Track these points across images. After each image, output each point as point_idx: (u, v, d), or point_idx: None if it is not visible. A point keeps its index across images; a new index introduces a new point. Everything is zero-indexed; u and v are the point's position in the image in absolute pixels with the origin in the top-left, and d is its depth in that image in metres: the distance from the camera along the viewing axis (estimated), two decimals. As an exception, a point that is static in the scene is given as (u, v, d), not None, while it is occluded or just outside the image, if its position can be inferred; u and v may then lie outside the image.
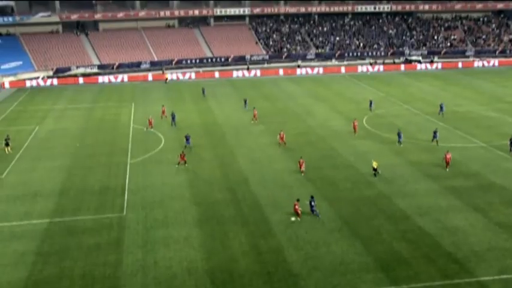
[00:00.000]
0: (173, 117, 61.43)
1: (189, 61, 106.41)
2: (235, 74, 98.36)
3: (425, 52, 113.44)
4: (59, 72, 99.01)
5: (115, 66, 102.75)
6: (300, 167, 44.51)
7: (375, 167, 43.11)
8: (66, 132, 60.64)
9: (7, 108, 75.38)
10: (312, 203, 36.64)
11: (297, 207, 36.19)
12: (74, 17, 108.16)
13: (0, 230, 35.88)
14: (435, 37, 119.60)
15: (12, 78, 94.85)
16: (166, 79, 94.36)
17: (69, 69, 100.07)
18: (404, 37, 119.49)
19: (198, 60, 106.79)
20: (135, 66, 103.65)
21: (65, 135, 59.29)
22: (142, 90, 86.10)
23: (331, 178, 43.79)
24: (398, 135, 52.53)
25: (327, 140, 55.05)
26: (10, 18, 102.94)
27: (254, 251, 32.44)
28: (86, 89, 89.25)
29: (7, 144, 52.81)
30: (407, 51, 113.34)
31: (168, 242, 33.59)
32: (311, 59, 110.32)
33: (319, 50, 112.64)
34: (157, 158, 50.37)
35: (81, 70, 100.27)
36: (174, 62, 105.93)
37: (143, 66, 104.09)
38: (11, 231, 35.52)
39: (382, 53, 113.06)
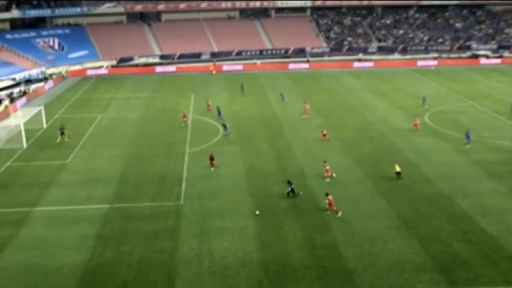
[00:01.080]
0: (219, 112, 61.19)
1: (248, 52, 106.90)
2: (294, 66, 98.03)
3: (495, 47, 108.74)
4: (122, 62, 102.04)
5: (176, 57, 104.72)
6: (326, 173, 42.54)
7: (398, 170, 41.72)
8: (127, 121, 62.51)
9: (72, 96, 78.50)
10: (291, 187, 38.34)
11: (331, 200, 36.09)
12: (138, 8, 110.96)
13: (65, 213, 37.58)
14: (505, 31, 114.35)
15: (78, 67, 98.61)
16: (212, 71, 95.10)
17: (131, 59, 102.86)
18: (471, 30, 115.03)
19: (258, 52, 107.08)
20: (195, 57, 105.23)
21: (126, 124, 61.15)
22: (202, 81, 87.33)
23: (390, 174, 42.97)
24: (467, 136, 49.99)
25: (387, 136, 53.98)
26: (78, 9, 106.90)
27: (309, 244, 32.37)
28: (147, 78, 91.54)
29: (62, 133, 54.78)
30: (474, 46, 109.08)
31: (223, 232, 34.06)
32: (372, 53, 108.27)
33: (381, 44, 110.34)
34: (215, 148, 51.06)
35: (143, 60, 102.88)
36: (234, 53, 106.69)
37: (203, 57, 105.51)
38: (75, 215, 37.11)
39: (448, 47, 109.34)
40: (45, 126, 60.21)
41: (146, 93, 78.47)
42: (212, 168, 43.87)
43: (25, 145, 53.27)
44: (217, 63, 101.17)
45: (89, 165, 47.29)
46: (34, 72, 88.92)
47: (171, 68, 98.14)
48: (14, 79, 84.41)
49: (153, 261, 31.02)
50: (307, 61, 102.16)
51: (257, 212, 36.58)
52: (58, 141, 54.20)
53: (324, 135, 52.17)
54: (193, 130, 57.75)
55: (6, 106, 68.62)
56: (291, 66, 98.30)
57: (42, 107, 62.06)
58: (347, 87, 79.37)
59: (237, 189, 40.77)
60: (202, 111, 65.32)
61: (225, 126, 54.58)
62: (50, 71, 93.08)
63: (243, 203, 38.39)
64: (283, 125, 58.89)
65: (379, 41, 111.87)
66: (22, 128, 54.07)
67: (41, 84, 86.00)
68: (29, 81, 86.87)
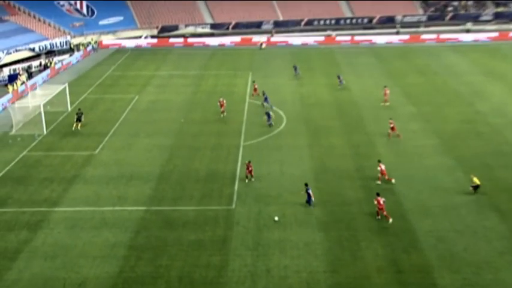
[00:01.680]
0: (265, 98, 61.24)
1: (322, 22, 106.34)
2: (379, 40, 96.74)
3: None
4: (164, 32, 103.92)
5: (231, 26, 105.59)
6: (381, 175, 42.22)
7: (476, 183, 40.14)
8: (169, 105, 63.67)
9: (103, 72, 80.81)
10: (308, 191, 38.48)
11: (381, 202, 36.55)
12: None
13: (91, 215, 38.70)
14: None
15: (110, 37, 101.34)
16: (261, 44, 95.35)
17: (176, 28, 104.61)
18: None
19: (333, 22, 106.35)
20: (254, 26, 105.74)
21: (168, 108, 62.30)
22: (263, 57, 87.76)
23: (505, 182, 41.71)
24: None
25: (502, 131, 52.45)
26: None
27: (393, 267, 31.97)
28: (195, 52, 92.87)
29: (79, 120, 56.29)
30: None
31: (284, 246, 34.14)
32: (487, 21, 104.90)
33: (500, 9, 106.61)
34: (276, 141, 51.27)
35: (190, 29, 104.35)
36: (303, 23, 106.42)
37: (265, 26, 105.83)
38: (102, 218, 38.17)
39: None
40: (69, 108, 62.29)
41: (193, 71, 79.70)
42: (246, 180, 43.18)
43: (45, 131, 55.35)
44: (281, 35, 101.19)
45: (121, 158, 48.55)
46: (57, 41, 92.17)
47: (225, 40, 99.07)
48: (32, 49, 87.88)
49: (197, 279, 31.45)
50: (397, 33, 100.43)
51: (276, 218, 36.81)
52: (73, 128, 55.86)
53: (392, 128, 51.19)
54: (250, 118, 58.16)
55: (22, 83, 71.53)
56: (376, 39, 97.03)
57: (66, 85, 64.16)
58: (449, 67, 77.65)
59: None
60: (260, 96, 65.69)
61: (268, 115, 54.86)
62: (76, 40, 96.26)
63: (310, 211, 38.35)
64: (364, 115, 58.36)
65: (497, 5, 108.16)
66: (42, 110, 56.21)
67: (66, 56, 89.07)
68: (51, 52, 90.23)
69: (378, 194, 37.31)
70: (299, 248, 33.96)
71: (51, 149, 51.15)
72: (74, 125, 55.99)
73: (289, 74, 74.44)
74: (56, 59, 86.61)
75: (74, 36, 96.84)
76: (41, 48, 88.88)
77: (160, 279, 31.50)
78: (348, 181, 42.83)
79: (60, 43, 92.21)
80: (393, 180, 42.13)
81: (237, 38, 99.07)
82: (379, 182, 42.16)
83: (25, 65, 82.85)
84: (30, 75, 77.49)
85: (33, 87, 69.61)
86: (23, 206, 40.30)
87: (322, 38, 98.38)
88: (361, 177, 43.38)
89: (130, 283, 31.24)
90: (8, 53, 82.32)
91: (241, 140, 51.85)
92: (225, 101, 59.32)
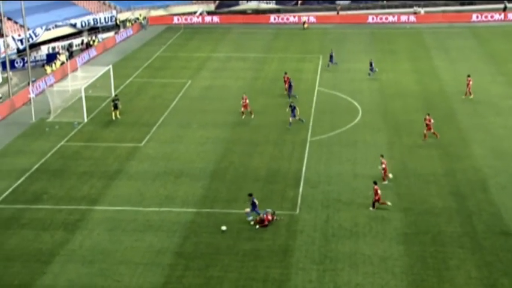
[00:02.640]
0: (290, 86, 61.02)
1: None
2: (480, 18, 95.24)
3: None
4: (222, 7, 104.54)
5: (299, 2, 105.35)
6: (384, 172, 42.56)
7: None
8: (226, 92, 64.00)
9: (153, 53, 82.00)
10: (253, 200, 37.98)
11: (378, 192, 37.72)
12: None
13: (134, 216, 39.26)
14: None
15: (161, 12, 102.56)
16: (304, 23, 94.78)
17: (236, 3, 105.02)
18: None
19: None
20: (327, 1, 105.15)
21: (225, 96, 62.69)
22: (337, 38, 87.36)
23: None
24: None
25: None
26: None
27: (488, 293, 31.35)
28: (258, 31, 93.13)
29: (116, 107, 57.02)
30: None
31: (355, 260, 33.86)
32: None
33: None
34: (350, 137, 51.03)
35: (253, 4, 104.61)
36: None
37: (340, 1, 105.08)
38: (147, 220, 38.68)
39: None
40: (113, 93, 63.43)
41: (255, 53, 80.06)
42: (385, 181, 42.32)
43: (86, 118, 56.61)
44: (358, 11, 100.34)
45: (170, 152, 49.19)
46: (101, 17, 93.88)
47: (293, 18, 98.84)
48: (73, 26, 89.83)
49: (253, 295, 31.63)
50: (504, 9, 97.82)
51: (223, 228, 36.98)
52: (113, 117, 56.74)
53: (428, 126, 49.86)
54: (319, 109, 58.01)
55: (62, 63, 73.21)
56: (476, 17, 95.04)
57: (110, 67, 65.22)
58: None
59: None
60: (333, 83, 65.27)
61: (292, 109, 53.60)
62: (122, 16, 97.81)
63: (388, 220, 37.93)
64: (456, 108, 57.46)
65: None
66: (83, 94, 57.43)
67: (111, 34, 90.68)
68: (94, 29, 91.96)
69: (375, 183, 38.13)
70: (373, 263, 33.60)
71: (91, 139, 52.29)
72: (113, 114, 56.93)
73: (366, 58, 73.61)
74: (99, 36, 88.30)
75: (120, 11, 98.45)
76: (83, 24, 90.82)
77: (212, 293, 31.78)
78: (435, 186, 42.16)
79: (105, 19, 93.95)
80: (391, 175, 42.29)
81: (305, 15, 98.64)
82: (385, 182, 41.94)
83: (65, 43, 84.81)
84: (70, 55, 79.15)
85: (74, 69, 71.11)
86: (60, 203, 41.29)
87: (408, 15, 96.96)
88: (451, 182, 42.65)
89: (177, 296, 31.60)
90: (47, 29, 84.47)
91: (308, 135, 51.72)
92: (247, 98, 56.71)
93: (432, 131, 50.11)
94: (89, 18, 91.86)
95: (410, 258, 34.00)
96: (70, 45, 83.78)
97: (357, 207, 39.52)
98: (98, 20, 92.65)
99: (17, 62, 74.37)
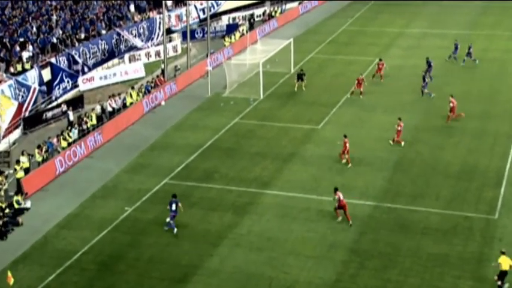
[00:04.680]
0: (429, 65, 58.62)
1: None
2: None
3: None
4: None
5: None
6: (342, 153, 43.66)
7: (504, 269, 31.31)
8: (418, 72, 61.60)
9: (338, 26, 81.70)
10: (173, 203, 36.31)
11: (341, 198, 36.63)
12: None
13: (307, 204, 39.36)
14: None
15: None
16: None
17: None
18: None
19: None
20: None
21: (416, 78, 60.51)
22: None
23: None
24: None
25: None
26: None
27: None
28: (463, 4, 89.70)
29: (300, 79, 58.00)
30: None
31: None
32: None
33: None
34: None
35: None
36: None
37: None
38: (320, 210, 38.61)
39: None
40: (292, 70, 63.76)
41: (456, 30, 77.59)
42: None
43: (262, 95, 57.35)
44: None
45: (349, 137, 48.09)
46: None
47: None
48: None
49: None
50: None
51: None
52: (295, 89, 57.67)
53: (452, 110, 49.76)
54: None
55: (242, 35, 74.10)
56: None
57: (291, 41, 65.54)
58: None
59: None
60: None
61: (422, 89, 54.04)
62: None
63: None
64: None
65: None
66: (260, 69, 58.27)
67: (294, 4, 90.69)
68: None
69: (336, 189, 36.83)
70: None
71: (267, 117, 52.97)
72: (296, 85, 57.60)
73: None
74: (283, 7, 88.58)
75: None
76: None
77: (388, 297, 31.26)
78: None
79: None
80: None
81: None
82: None
83: (247, 13, 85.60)
84: (251, 26, 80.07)
85: (253, 41, 71.96)
86: (230, 183, 42.37)
87: None
88: None
89: (347, 295, 31.45)
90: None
91: (513, 128, 49.74)
92: (363, 79, 56.93)
93: (455, 115, 49.67)
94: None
95: None
96: (251, 16, 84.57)
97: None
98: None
99: (197, 33, 76.02)
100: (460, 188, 40.79)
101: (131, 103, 54.56)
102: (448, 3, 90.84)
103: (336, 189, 37.16)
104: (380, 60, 61.89)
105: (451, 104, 50.03)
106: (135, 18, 71.17)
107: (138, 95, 55.62)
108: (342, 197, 36.85)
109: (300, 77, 58.09)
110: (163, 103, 56.85)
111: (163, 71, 61.35)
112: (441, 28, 78.52)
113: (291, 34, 73.02)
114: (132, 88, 56.34)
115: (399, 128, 46.04)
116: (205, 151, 47.08)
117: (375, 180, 41.83)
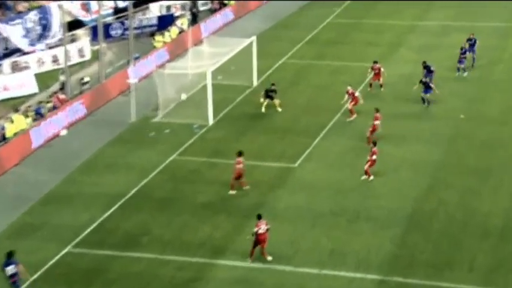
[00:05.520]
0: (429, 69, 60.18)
1: None
2: None
3: None
4: None
5: None
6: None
7: None
8: (436, 83, 62.11)
9: (322, 18, 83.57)
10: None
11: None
12: None
13: (279, 279, 38.83)
14: None
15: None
16: None
17: None
18: None
19: None
20: None
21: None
22: None
23: None
24: None
25: None
26: None
27: None
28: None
29: (269, 97, 58.42)
30: None
31: None
32: None
33: None
34: None
35: None
36: None
37: None
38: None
39: None
40: (255, 82, 64.49)
41: (493, 22, 79.05)
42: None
43: (211, 120, 57.65)
44: None
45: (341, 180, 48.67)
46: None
47: None
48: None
49: None
50: None
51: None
52: (263, 109, 58.29)
53: (372, 131, 52.60)
54: None
55: (181, 31, 74.34)
56: None
57: (253, 39, 65.66)
58: None
59: None
60: None
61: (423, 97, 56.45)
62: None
63: None
64: None
65: None
66: (208, 81, 57.97)
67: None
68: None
69: (259, 217, 39.13)
70: None
71: (219, 152, 53.01)
72: (264, 104, 58.42)
73: None
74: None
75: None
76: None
77: None
78: None
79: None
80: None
81: None
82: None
83: (188, 0, 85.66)
84: (194, 19, 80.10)
85: (197, 41, 72.26)
86: (166, 250, 41.67)
87: None
88: None
89: None
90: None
91: None
92: (356, 92, 58.97)
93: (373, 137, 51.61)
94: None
95: None
96: (194, 4, 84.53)
97: None
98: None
99: (113, 29, 75.54)
100: (503, 253, 40.65)
101: (15, 133, 54.04)
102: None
103: (259, 216, 38.46)
104: (375, 62, 62.83)
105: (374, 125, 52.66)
106: (19, 7, 70.23)
107: (25, 120, 55.07)
108: (264, 229, 37.87)
109: (269, 94, 58.47)
110: (64, 132, 56.49)
111: (63, 85, 60.89)
112: (468, 20, 79.91)
113: (252, 30, 73.68)
114: (16, 111, 55.82)
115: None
116: (128, 203, 46.49)
117: (380, 243, 41.55)
